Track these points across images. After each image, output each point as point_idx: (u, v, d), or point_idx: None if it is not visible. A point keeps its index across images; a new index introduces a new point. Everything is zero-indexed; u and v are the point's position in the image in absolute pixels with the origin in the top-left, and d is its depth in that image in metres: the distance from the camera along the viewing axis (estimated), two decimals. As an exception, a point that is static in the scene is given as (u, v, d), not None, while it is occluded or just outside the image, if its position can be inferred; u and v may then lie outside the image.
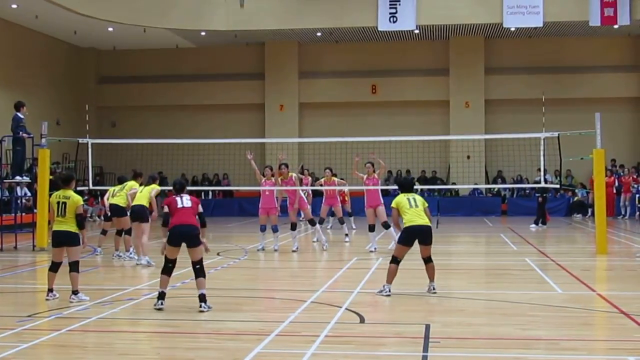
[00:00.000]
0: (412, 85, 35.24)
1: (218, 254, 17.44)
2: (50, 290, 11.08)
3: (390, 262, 11.41)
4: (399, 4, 30.36)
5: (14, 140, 19.19)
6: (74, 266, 10.95)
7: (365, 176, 17.94)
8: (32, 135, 19.29)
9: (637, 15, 30.06)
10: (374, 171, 18.05)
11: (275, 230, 17.67)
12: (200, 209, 10.72)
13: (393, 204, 11.49)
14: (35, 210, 19.87)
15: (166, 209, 10.56)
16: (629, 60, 34.33)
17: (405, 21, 30.54)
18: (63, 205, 11.00)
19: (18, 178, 19.49)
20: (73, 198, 11.05)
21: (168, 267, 10.45)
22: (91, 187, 23.10)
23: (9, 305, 11.04)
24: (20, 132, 18.83)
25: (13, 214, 20.83)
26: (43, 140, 19.08)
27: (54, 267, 11.18)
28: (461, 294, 11.65)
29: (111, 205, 16.55)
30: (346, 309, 10.20)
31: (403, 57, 35.48)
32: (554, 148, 19.27)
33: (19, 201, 22.80)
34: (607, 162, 29.29)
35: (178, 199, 10.63)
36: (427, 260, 11.55)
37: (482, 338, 8.60)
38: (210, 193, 35.18)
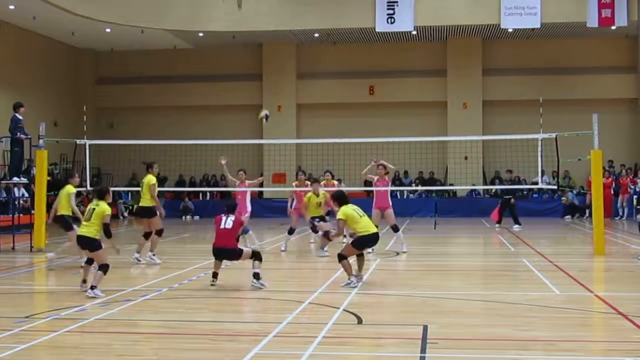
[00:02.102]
0: (409, 86, 35.25)
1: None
2: (84, 281, 11.95)
3: (341, 260, 12.28)
4: (397, 5, 30.34)
5: (11, 141, 19.18)
6: (102, 267, 11.65)
7: (376, 178, 17.89)
8: (30, 137, 19.28)
9: (635, 17, 30.08)
10: (386, 173, 18.03)
11: (245, 231, 17.75)
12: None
13: (341, 216, 12.26)
14: (32, 212, 19.85)
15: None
16: (626, 61, 34.35)
17: (402, 22, 30.52)
18: (91, 211, 11.83)
19: (16, 179, 19.47)
20: (102, 206, 11.83)
21: (215, 272, 12.38)
22: (89, 188, 23.08)
23: (7, 306, 11.03)
24: (19, 133, 18.81)
25: (11, 215, 20.80)
26: (41, 141, 19.07)
27: (89, 261, 12.14)
28: (459, 295, 11.66)
29: (140, 207, 16.26)
30: (344, 310, 10.20)
31: (401, 58, 35.49)
32: (551, 149, 19.30)
33: (16, 202, 22.78)
34: (604, 163, 29.33)
35: (224, 218, 12.31)
36: (360, 255, 12.63)
37: (480, 339, 8.61)
38: (208, 194, 35.18)
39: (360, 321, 9.49)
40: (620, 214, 30.75)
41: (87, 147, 20.79)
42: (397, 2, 30.30)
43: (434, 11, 31.33)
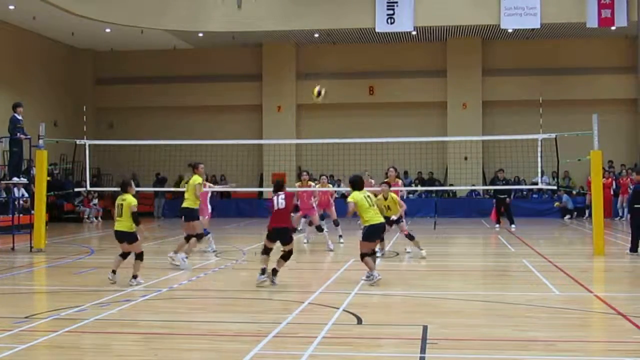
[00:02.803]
0: (409, 87, 35.25)
1: (216, 255, 17.44)
2: (114, 272, 12.69)
3: (363, 258, 12.51)
4: (397, 6, 30.37)
5: (10, 142, 19.15)
6: (138, 256, 12.72)
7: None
8: (29, 137, 19.28)
9: (634, 17, 30.09)
10: (397, 176, 18.06)
11: (205, 233, 17.81)
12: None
13: (351, 199, 12.56)
14: (32, 212, 19.84)
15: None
16: (626, 61, 34.34)
17: (402, 23, 30.55)
18: (120, 206, 12.79)
19: (15, 179, 19.46)
20: (128, 200, 12.76)
21: (267, 250, 12.44)
22: (88, 188, 23.10)
23: (6, 306, 11.03)
24: (18, 134, 18.80)
25: (10, 215, 20.80)
26: (40, 141, 19.06)
27: (123, 255, 12.91)
28: (459, 295, 11.66)
29: (183, 209, 15.67)
30: (344, 310, 10.20)
31: (400, 59, 35.49)
32: (551, 149, 19.31)
33: (16, 202, 22.78)
34: (604, 163, 29.34)
35: (275, 199, 12.41)
36: (373, 253, 12.84)
37: (480, 339, 8.61)
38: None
39: (360, 321, 9.49)
40: (620, 214, 30.74)
41: (87, 147, 20.80)
42: (397, 2, 30.33)
43: (433, 11, 31.33)
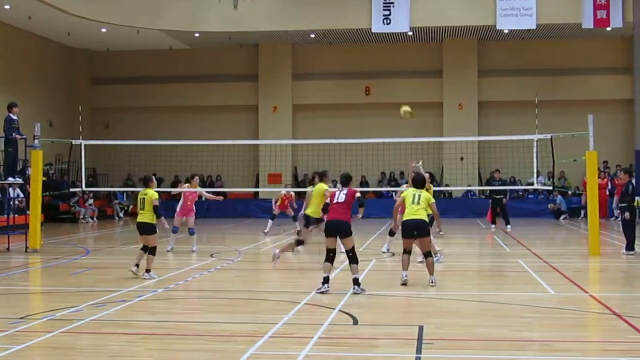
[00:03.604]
0: (405, 87, 35.23)
1: (212, 256, 17.44)
2: (137, 265, 13.45)
3: (402, 254, 12.76)
4: (393, 6, 30.39)
5: (5, 142, 19.10)
6: (151, 250, 13.49)
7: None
8: (25, 137, 19.24)
9: (630, 18, 30.17)
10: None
11: (192, 232, 18.21)
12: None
13: (400, 194, 13.28)
14: (28, 212, 19.81)
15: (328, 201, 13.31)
16: (621, 62, 34.39)
17: (398, 23, 30.57)
18: (142, 200, 13.64)
19: (11, 179, 19.42)
20: (150, 194, 13.62)
21: (329, 257, 11.96)
22: (84, 188, 23.08)
23: (2, 307, 11.01)
24: (14, 134, 18.75)
25: (6, 216, 20.77)
26: (36, 141, 19.04)
27: (144, 248, 13.62)
28: (454, 296, 11.67)
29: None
30: (339, 310, 10.21)
31: (397, 59, 35.51)
32: (547, 150, 19.33)
33: (11, 202, 22.75)
34: (599, 163, 29.37)
35: (337, 193, 12.32)
36: (427, 255, 12.81)
37: (476, 339, 8.62)
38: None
39: (355, 322, 9.50)
40: (616, 214, 30.75)
41: (83, 147, 20.78)
42: (393, 2, 30.35)
43: (429, 12, 31.36)
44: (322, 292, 11.55)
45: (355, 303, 10.78)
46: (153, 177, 14.24)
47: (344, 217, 12.02)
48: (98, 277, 14.13)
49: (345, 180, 12.51)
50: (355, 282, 11.76)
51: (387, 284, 12.86)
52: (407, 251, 12.72)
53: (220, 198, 22.45)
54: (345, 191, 12.22)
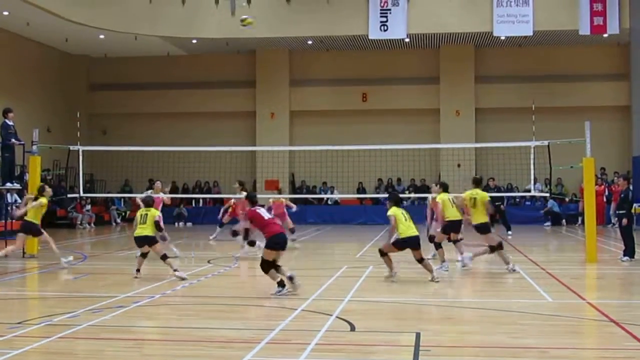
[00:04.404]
0: (402, 94, 35.31)
1: (209, 262, 17.44)
2: (138, 270, 14.30)
3: (382, 255, 14.10)
4: (390, 13, 30.46)
5: (2, 147, 19.08)
6: (163, 257, 14.24)
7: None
8: (22, 142, 19.24)
9: (626, 24, 30.24)
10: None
11: (164, 239, 17.91)
12: None
13: (391, 213, 14.00)
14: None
15: None
16: (618, 68, 34.46)
17: (395, 30, 30.64)
18: (145, 216, 14.45)
19: (8, 185, 19.42)
20: (152, 211, 14.59)
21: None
22: (82, 194, 23.07)
23: (-1, 312, 11.01)
24: (12, 140, 18.74)
25: (3, 221, 20.74)
26: (34, 147, 19.04)
27: (144, 255, 14.48)
28: (452, 302, 11.68)
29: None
30: (337, 317, 10.20)
31: (394, 66, 35.55)
32: (544, 156, 19.36)
33: (9, 208, 22.73)
34: (596, 170, 29.42)
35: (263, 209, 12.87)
36: (420, 260, 13.96)
37: (473, 346, 8.62)
38: (201, 200, 35.15)
39: (353, 328, 9.49)
40: (613, 221, 30.78)
41: (81, 153, 20.78)
42: (390, 9, 30.42)
43: (426, 19, 31.42)
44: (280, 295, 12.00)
45: (352, 310, 10.78)
46: (154, 201, 15.20)
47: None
48: (95, 283, 14.13)
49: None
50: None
51: (384, 291, 12.87)
52: (387, 254, 14.09)
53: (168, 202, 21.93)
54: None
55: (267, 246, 12.17)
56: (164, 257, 14.21)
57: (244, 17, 21.74)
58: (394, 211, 13.98)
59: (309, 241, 24.49)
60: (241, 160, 33.38)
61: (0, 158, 19.54)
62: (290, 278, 12.10)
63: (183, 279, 13.77)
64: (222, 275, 15.31)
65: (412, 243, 13.83)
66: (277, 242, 12.11)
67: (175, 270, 14.03)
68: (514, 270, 15.11)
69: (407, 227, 13.82)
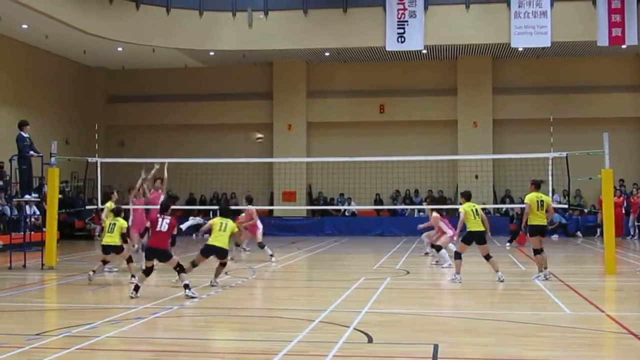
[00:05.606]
0: (420, 105, 35.29)
1: (226, 273, 17.45)
2: (133, 276, 14.81)
3: (455, 258, 15.63)
4: (407, 25, 30.50)
5: (18, 159, 19.18)
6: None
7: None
8: (41, 154, 19.36)
9: (645, 35, 30.11)
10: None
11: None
12: None
13: (462, 209, 15.54)
14: (44, 229, 19.90)
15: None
16: (636, 80, 34.33)
17: (413, 41, 30.66)
18: (113, 225, 15.28)
19: (27, 196, 19.53)
20: (120, 222, 15.32)
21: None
22: (100, 206, 23.15)
23: (18, 323, 11.07)
24: (30, 152, 18.84)
25: (22, 233, 20.87)
26: (52, 159, 19.15)
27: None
28: (469, 314, 11.63)
29: None
30: (354, 328, 10.19)
31: (411, 77, 35.55)
32: (562, 168, 19.28)
33: (28, 220, 22.87)
34: (615, 182, 29.26)
35: (160, 221, 13.66)
36: (487, 257, 15.51)
37: (490, 358, 8.58)
38: (219, 212, 35.11)
39: (370, 340, 9.48)
40: (632, 233, 30.63)
41: (99, 165, 20.89)
42: (407, 21, 30.45)
43: (444, 30, 31.43)
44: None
45: (369, 321, 10.76)
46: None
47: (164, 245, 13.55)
48: (113, 295, 14.19)
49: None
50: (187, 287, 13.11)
51: (401, 302, 12.83)
52: (461, 255, 15.58)
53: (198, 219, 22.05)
54: (167, 220, 13.59)
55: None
56: (129, 260, 15.58)
57: None
58: (465, 207, 15.47)
59: (326, 252, 24.48)
60: (258, 171, 33.48)
61: (18, 170, 19.67)
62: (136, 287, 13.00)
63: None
64: (240, 286, 15.32)
65: (478, 238, 15.32)
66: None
67: (132, 277, 14.82)
68: (502, 281, 15.53)
69: (475, 223, 15.28)
